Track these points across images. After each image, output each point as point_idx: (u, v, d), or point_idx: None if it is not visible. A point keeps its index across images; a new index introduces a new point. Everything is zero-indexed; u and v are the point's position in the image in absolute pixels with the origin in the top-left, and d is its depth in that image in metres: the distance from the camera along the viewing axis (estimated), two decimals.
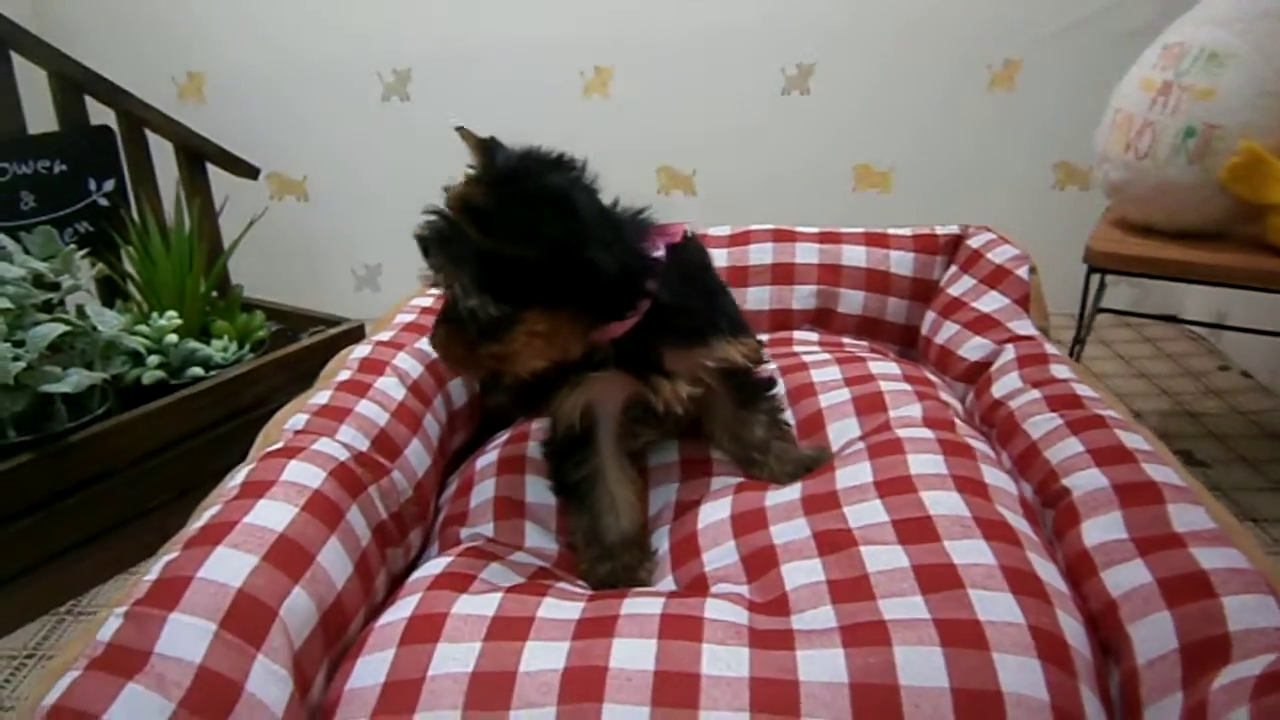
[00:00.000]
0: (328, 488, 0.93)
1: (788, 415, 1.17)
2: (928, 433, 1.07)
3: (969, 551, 0.85)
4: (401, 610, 0.85)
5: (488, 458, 1.18)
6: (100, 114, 1.78)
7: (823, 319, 1.54)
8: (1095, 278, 1.55)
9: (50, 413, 1.37)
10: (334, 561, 0.88)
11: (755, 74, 2.36)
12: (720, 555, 0.96)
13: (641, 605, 0.83)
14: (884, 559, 0.85)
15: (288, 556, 0.83)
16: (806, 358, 1.34)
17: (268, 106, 2.38)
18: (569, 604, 0.85)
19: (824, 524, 0.93)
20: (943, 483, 0.96)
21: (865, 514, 0.93)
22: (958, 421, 1.14)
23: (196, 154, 1.77)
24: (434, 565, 0.97)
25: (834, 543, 0.90)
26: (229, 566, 0.79)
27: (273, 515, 0.86)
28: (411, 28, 2.28)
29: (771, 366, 1.25)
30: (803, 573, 0.87)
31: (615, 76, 2.37)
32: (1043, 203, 2.36)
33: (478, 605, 0.84)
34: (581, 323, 0.90)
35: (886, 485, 0.97)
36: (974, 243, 1.49)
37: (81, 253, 1.42)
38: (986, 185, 2.37)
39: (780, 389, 1.21)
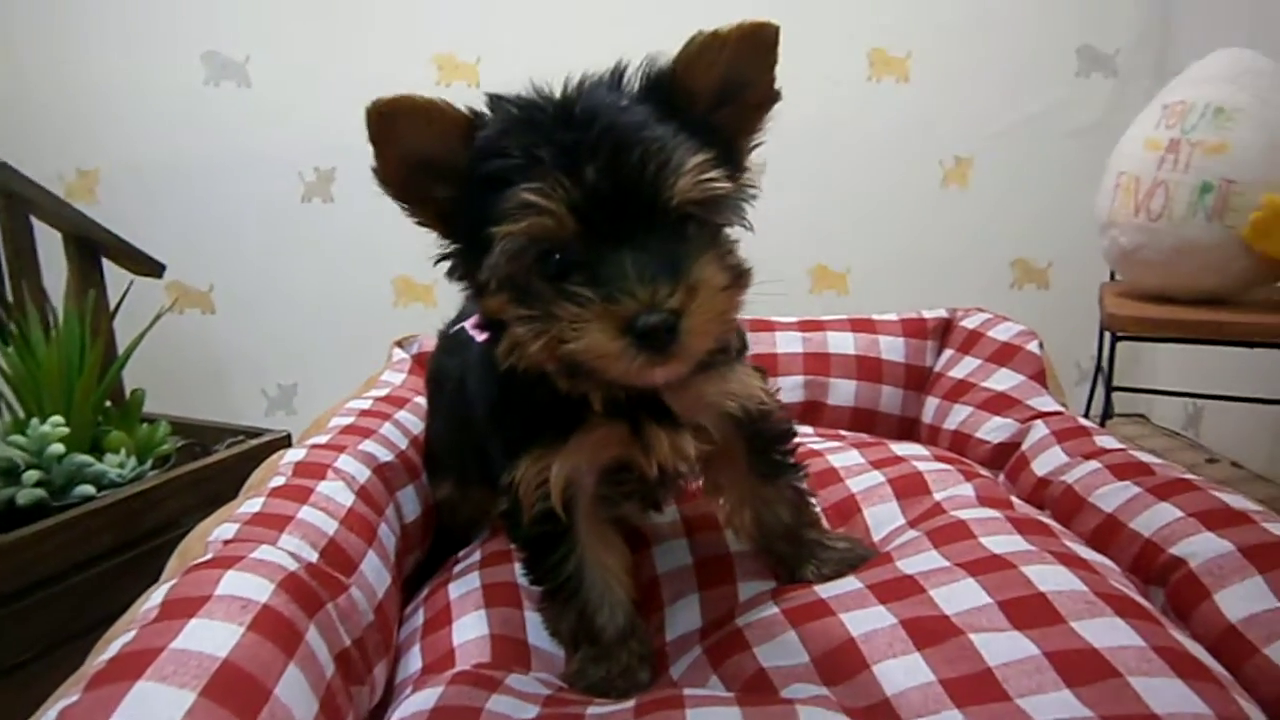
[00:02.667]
0: (278, 602, 0.72)
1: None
2: (992, 512, 0.93)
3: (1107, 632, 0.70)
4: None
5: (465, 584, 0.98)
6: None
7: (812, 413, 1.41)
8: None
9: None
10: (296, 696, 0.66)
11: None
12: (780, 650, 0.78)
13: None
14: (1004, 648, 0.69)
15: (237, 690, 0.61)
16: (816, 445, 1.20)
17: (169, 209, 2.18)
18: None
19: (910, 610, 0.76)
20: (1040, 557, 0.81)
21: (959, 596, 0.77)
22: (1015, 500, 1.00)
23: (91, 245, 1.55)
24: (420, 700, 0.76)
25: (931, 631, 0.73)
26: (156, 708, 0.57)
27: (211, 637, 0.65)
28: (336, 123, 2.11)
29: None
30: (903, 671, 0.70)
31: None
32: (1001, 301, 2.31)
33: None
34: None
35: (974, 565, 0.81)
36: (970, 323, 1.40)
37: None
38: (944, 284, 2.34)
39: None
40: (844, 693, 0.71)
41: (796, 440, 0.94)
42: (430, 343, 1.43)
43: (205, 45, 2.13)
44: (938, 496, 0.99)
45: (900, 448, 1.14)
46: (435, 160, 0.67)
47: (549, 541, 0.82)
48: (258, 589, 0.72)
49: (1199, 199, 1.36)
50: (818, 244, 2.36)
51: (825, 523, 0.97)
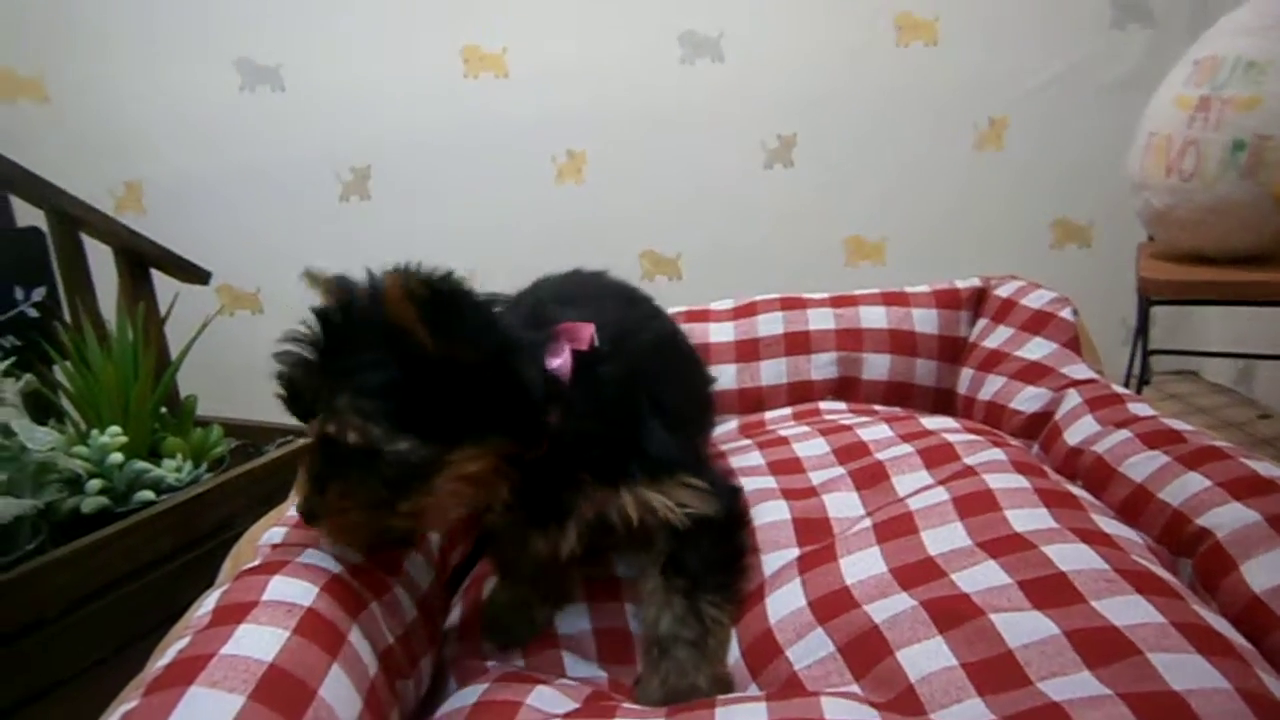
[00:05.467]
0: (322, 605, 0.75)
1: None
2: (1021, 480, 0.92)
3: (1126, 610, 0.70)
4: None
5: None
6: (28, 215, 1.63)
7: (846, 388, 1.41)
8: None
9: None
10: (340, 696, 0.69)
11: (735, 149, 2.30)
12: (809, 649, 0.79)
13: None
14: (1024, 628, 0.70)
15: (283, 693, 0.65)
16: (847, 420, 1.20)
17: (214, 215, 2.24)
18: None
19: (931, 592, 0.77)
20: (1061, 535, 0.81)
21: (980, 577, 0.78)
22: (1047, 469, 0.99)
23: (139, 258, 1.61)
24: (464, 696, 0.79)
25: (952, 612, 0.74)
26: (208, 712, 0.61)
27: (259, 642, 0.68)
28: (369, 121, 2.19)
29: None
30: (925, 657, 0.71)
31: (589, 160, 2.29)
32: (1042, 264, 2.31)
33: None
34: (507, 455, 0.76)
35: (995, 544, 0.82)
36: (1003, 291, 1.38)
37: (5, 363, 1.24)
38: (983, 250, 2.31)
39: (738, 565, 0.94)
40: (868, 686, 0.72)
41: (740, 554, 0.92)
42: None
43: (237, 52, 2.17)
44: (967, 461, 0.99)
45: (930, 421, 1.14)
46: None
47: None
48: (303, 593, 0.75)
49: (1231, 157, 1.33)
50: (851, 216, 2.34)
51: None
